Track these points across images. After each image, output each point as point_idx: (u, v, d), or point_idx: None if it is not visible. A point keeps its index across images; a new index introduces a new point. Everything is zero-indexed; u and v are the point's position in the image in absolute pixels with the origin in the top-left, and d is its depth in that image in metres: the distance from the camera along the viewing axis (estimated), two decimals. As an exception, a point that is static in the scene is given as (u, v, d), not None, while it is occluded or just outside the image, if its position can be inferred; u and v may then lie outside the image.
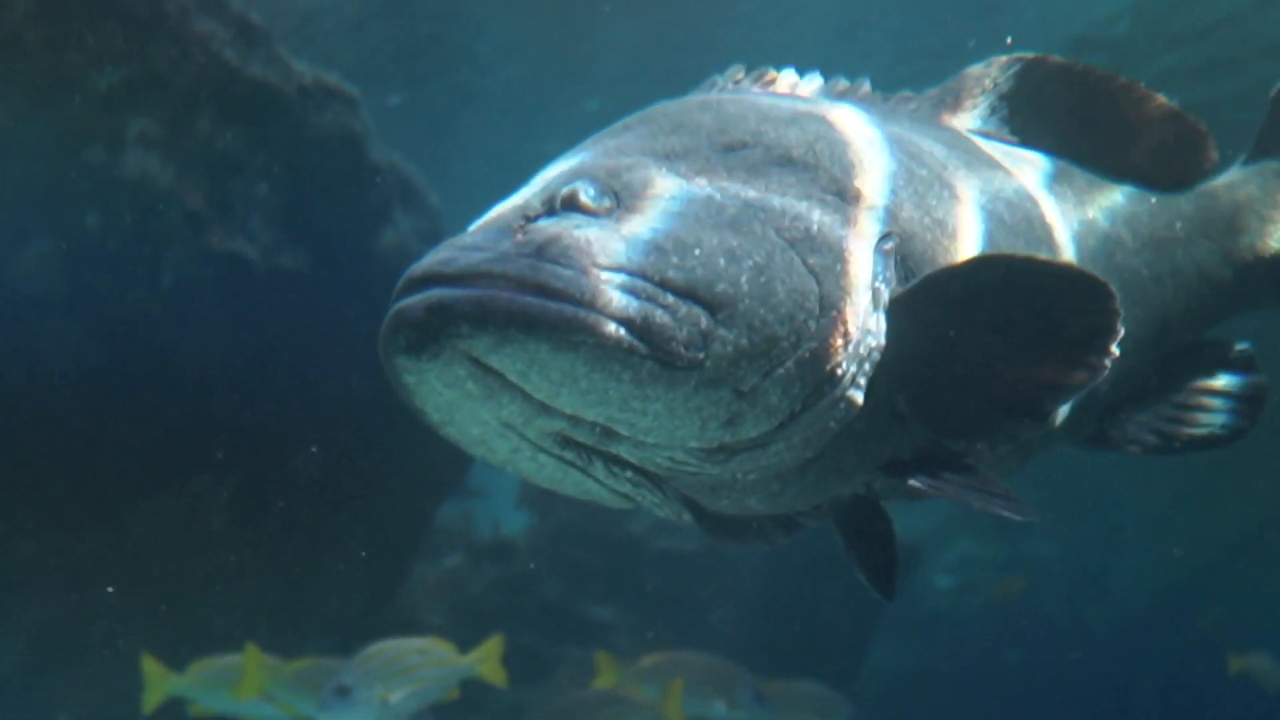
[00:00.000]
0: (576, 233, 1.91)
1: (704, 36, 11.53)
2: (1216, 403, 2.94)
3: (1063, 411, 2.41)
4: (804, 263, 2.00)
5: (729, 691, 7.50)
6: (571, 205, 1.97)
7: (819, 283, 1.99)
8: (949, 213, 2.31)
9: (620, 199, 2.00)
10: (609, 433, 1.93)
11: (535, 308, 1.80)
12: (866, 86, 2.66)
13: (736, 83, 2.54)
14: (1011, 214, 2.49)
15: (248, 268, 7.99)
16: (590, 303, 1.82)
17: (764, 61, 2.62)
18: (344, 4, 11.49)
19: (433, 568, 10.58)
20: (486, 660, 6.61)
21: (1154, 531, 20.23)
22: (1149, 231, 2.90)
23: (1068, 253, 2.60)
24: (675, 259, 1.91)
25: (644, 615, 10.60)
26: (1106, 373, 2.06)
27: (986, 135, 2.75)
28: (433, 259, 1.88)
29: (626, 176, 2.04)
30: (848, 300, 2.01)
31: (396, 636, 6.50)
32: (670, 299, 1.88)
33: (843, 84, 2.63)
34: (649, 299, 1.86)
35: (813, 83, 2.59)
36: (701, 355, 1.87)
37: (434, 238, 7.42)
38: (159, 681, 6.66)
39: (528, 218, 1.96)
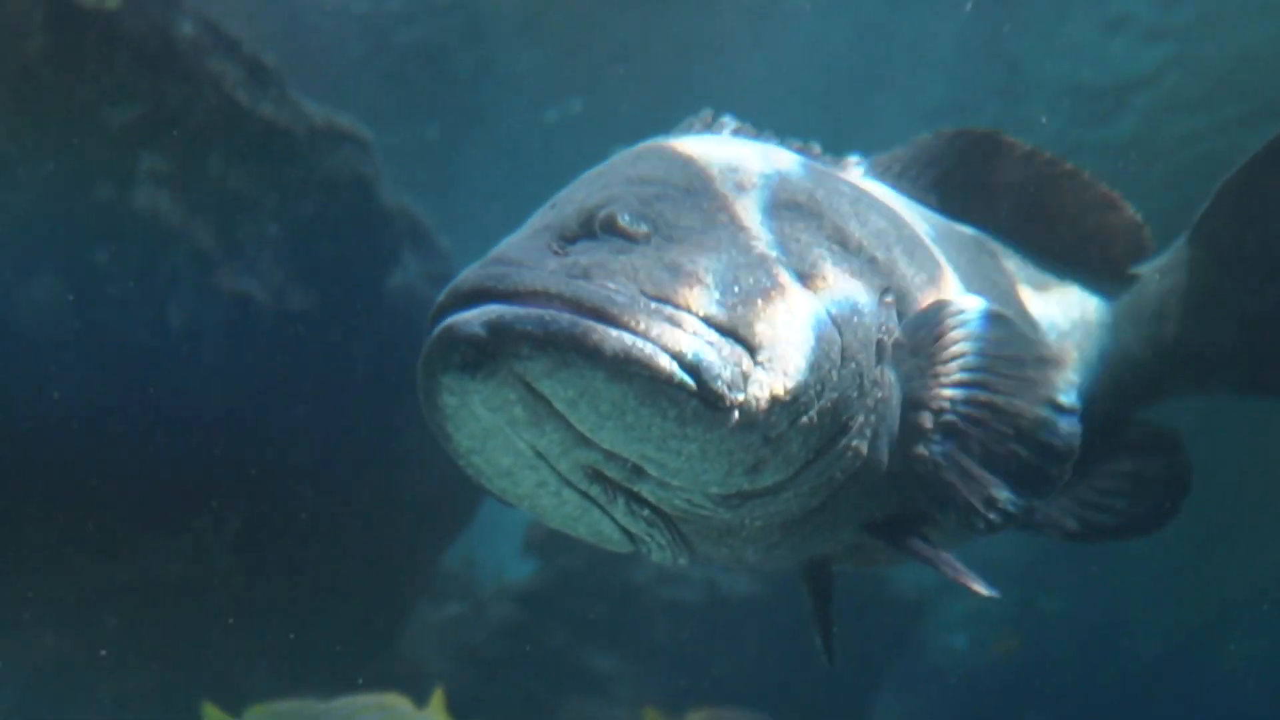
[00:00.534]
0: (622, 258, 1.85)
1: (711, 96, 11.57)
2: (1138, 489, 2.92)
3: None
4: (828, 312, 1.97)
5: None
6: (610, 229, 1.91)
7: (840, 333, 1.97)
8: (934, 273, 2.34)
9: (657, 227, 1.94)
10: (638, 471, 1.87)
11: (597, 333, 1.72)
12: (817, 148, 2.66)
13: (706, 125, 2.52)
14: (979, 279, 2.56)
15: (256, 308, 7.97)
16: (645, 332, 1.75)
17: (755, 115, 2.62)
18: (353, 45, 11.56)
19: (436, 613, 10.49)
20: (434, 715, 6.51)
21: (1165, 582, 20.09)
22: (1079, 314, 2.95)
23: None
24: (718, 294, 1.85)
25: (646, 665, 10.50)
26: None
27: (929, 206, 2.79)
28: (481, 272, 1.80)
29: (659, 206, 1.99)
30: (863, 352, 2.00)
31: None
32: (715, 335, 1.81)
33: (796, 143, 2.62)
34: (695, 334, 1.80)
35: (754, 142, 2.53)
36: (741, 397, 1.82)
37: (443, 280, 7.39)
38: None
39: (565, 238, 1.90)
